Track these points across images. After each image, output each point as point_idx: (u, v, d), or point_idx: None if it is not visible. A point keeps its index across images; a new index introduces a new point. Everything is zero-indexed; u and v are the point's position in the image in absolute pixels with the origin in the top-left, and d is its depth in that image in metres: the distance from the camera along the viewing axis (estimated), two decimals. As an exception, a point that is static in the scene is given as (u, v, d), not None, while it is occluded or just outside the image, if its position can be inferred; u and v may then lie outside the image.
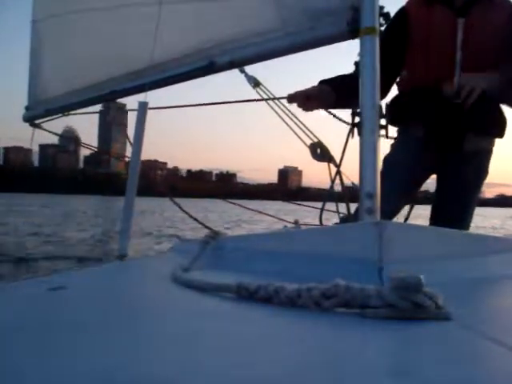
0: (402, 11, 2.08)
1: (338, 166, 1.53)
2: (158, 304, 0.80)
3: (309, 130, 1.58)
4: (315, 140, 1.56)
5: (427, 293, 0.55)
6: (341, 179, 1.53)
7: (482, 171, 2.11)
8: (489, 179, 2.26)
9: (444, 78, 1.91)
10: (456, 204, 2.07)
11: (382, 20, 1.34)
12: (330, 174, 1.55)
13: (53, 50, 2.49)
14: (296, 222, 2.65)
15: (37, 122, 2.49)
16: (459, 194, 2.07)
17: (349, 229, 0.97)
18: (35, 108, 2.50)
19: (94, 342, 0.53)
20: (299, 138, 1.59)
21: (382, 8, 1.34)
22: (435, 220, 2.11)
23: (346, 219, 1.69)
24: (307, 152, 1.57)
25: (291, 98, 1.78)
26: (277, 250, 0.98)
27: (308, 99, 1.79)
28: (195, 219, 2.03)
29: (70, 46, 2.40)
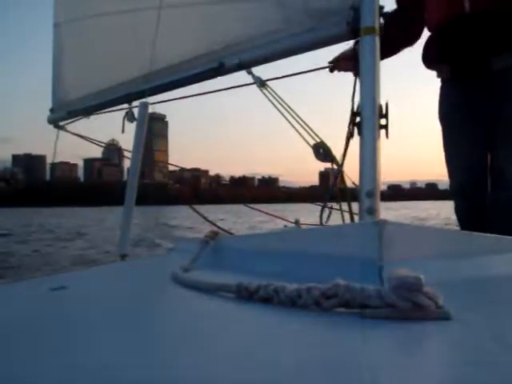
0: None
1: (339, 166, 1.53)
2: (158, 304, 0.80)
3: (312, 131, 1.58)
4: (318, 140, 1.56)
5: (427, 293, 0.55)
6: (343, 179, 1.53)
7: None
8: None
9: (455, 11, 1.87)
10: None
11: (382, 20, 1.34)
12: (334, 174, 1.55)
13: (73, 53, 2.53)
14: (296, 222, 2.64)
15: (61, 123, 2.52)
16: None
17: (349, 228, 0.97)
18: (59, 110, 2.53)
19: (94, 341, 0.53)
20: (303, 138, 1.59)
21: (381, 8, 1.34)
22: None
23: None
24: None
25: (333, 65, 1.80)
26: (277, 250, 0.98)
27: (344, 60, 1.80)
28: (214, 224, 2.12)
29: (89, 48, 2.43)
